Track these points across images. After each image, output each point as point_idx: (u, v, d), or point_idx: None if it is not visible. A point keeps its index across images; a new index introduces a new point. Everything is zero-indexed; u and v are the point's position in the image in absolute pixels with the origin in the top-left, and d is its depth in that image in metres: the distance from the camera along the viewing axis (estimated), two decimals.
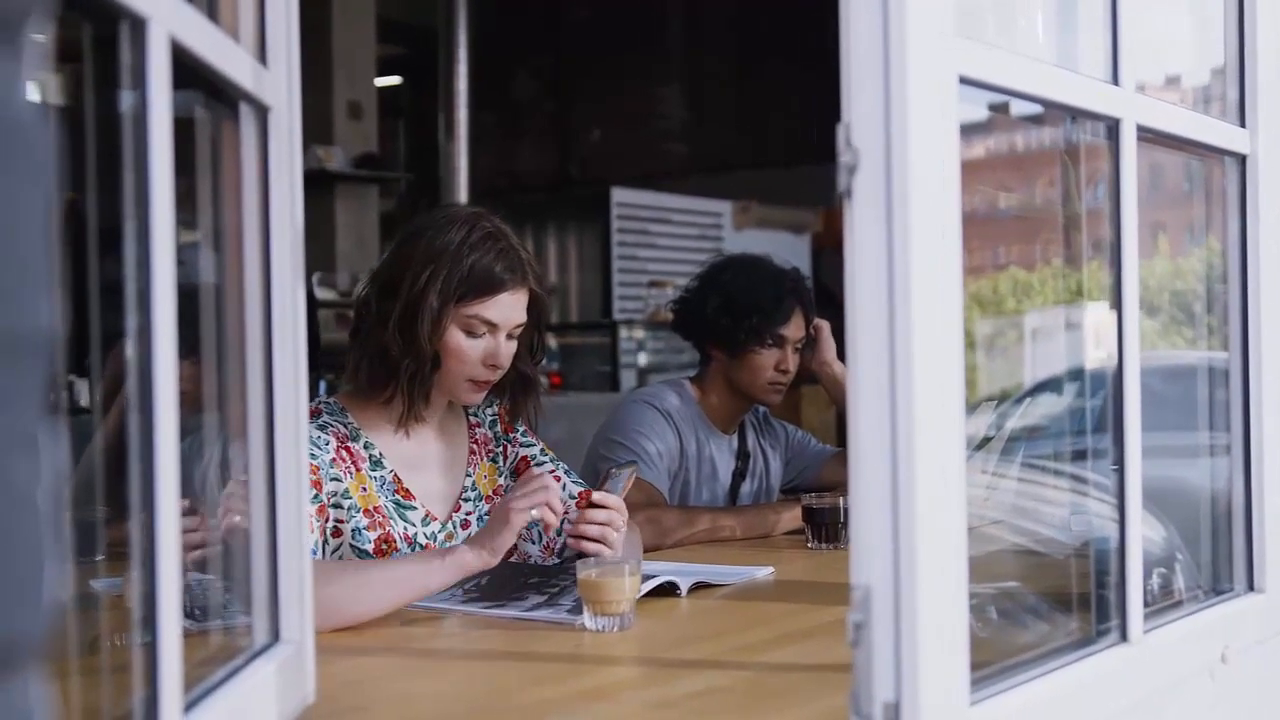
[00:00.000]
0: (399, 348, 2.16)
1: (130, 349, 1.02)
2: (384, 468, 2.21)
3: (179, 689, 1.04)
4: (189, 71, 1.12)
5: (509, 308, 2.20)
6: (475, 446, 2.36)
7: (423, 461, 2.27)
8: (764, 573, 2.33)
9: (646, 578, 2.02)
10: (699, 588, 2.16)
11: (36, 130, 0.57)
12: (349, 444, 2.19)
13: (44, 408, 0.59)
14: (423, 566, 1.97)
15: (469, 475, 2.33)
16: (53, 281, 0.58)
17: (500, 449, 2.40)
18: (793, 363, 3.00)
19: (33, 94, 0.57)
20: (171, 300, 1.03)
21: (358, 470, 2.18)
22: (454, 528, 2.27)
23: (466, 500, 2.31)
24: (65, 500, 0.61)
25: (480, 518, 2.30)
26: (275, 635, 1.37)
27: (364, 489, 2.17)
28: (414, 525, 2.21)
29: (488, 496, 2.34)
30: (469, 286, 2.16)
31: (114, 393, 1.44)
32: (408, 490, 2.22)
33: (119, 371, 1.11)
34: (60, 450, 0.59)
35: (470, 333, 2.18)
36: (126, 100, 1.03)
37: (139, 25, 1.00)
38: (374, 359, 2.19)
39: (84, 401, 2.65)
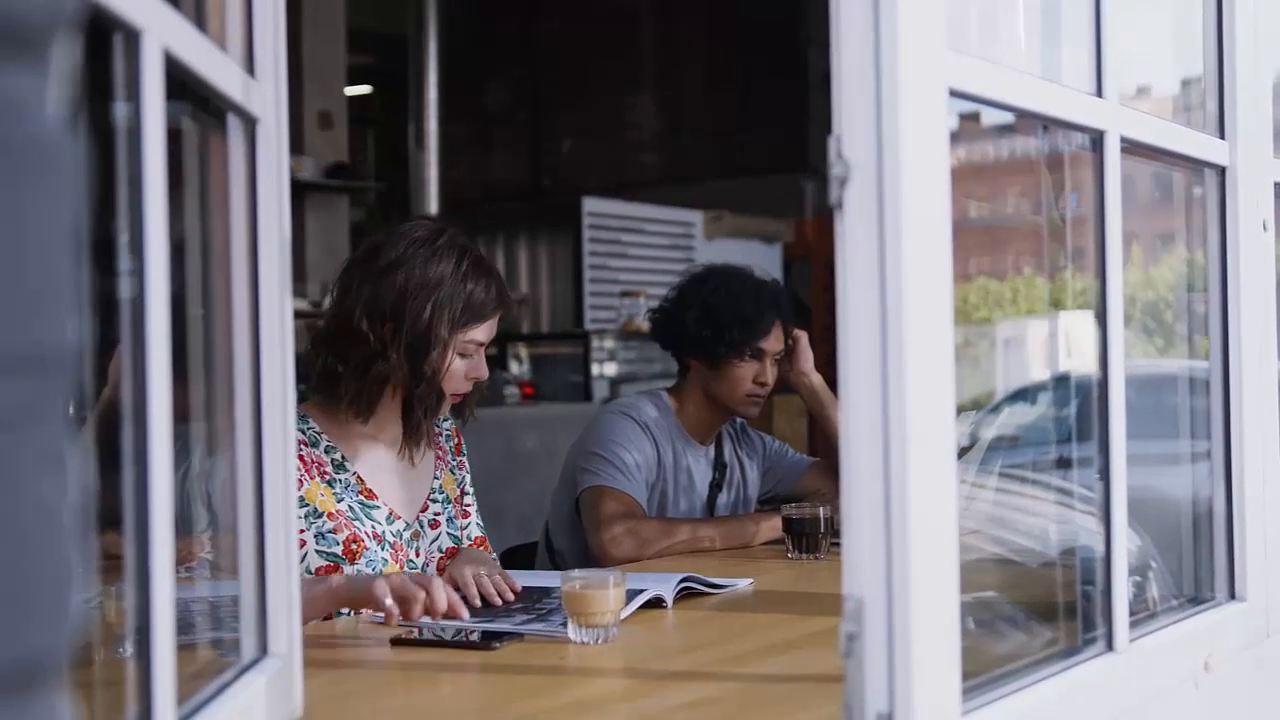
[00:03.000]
0: (408, 380, 2.24)
1: (124, 361, 1.01)
2: (347, 470, 2.27)
3: (172, 703, 1.03)
4: (177, 82, 1.12)
5: (494, 327, 2.33)
6: (440, 452, 2.45)
7: (389, 464, 2.34)
8: (744, 584, 2.33)
9: (632, 592, 2.02)
10: (685, 595, 2.17)
11: (64, 145, 0.57)
12: (307, 449, 2.24)
13: (69, 424, 0.58)
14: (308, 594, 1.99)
15: (436, 478, 2.41)
16: (77, 298, 0.58)
17: (457, 462, 2.51)
18: (771, 375, 3.00)
19: (59, 108, 0.57)
20: (165, 311, 1.02)
21: (312, 478, 2.23)
22: (421, 526, 2.35)
23: (435, 501, 2.40)
24: (90, 516, 0.61)
25: (449, 519, 2.40)
26: (263, 649, 1.36)
27: (322, 494, 2.22)
28: (379, 523, 2.27)
29: (454, 500, 2.44)
30: (470, 314, 2.26)
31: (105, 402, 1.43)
32: (371, 490, 2.29)
33: (109, 381, 1.10)
34: (85, 466, 0.59)
35: (463, 355, 2.28)
36: (119, 111, 1.02)
37: (133, 37, 0.99)
38: (375, 385, 2.24)
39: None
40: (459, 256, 2.26)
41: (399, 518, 2.31)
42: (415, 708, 1.61)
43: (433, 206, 8.30)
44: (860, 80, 1.17)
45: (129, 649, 1.09)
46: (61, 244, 0.57)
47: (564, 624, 1.88)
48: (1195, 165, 1.84)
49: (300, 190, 7.23)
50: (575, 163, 9.82)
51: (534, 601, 2.12)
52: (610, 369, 7.52)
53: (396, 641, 1.87)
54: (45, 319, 0.56)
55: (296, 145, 7.20)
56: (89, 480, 1.20)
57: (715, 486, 3.11)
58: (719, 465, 3.13)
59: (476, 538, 2.44)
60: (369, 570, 2.21)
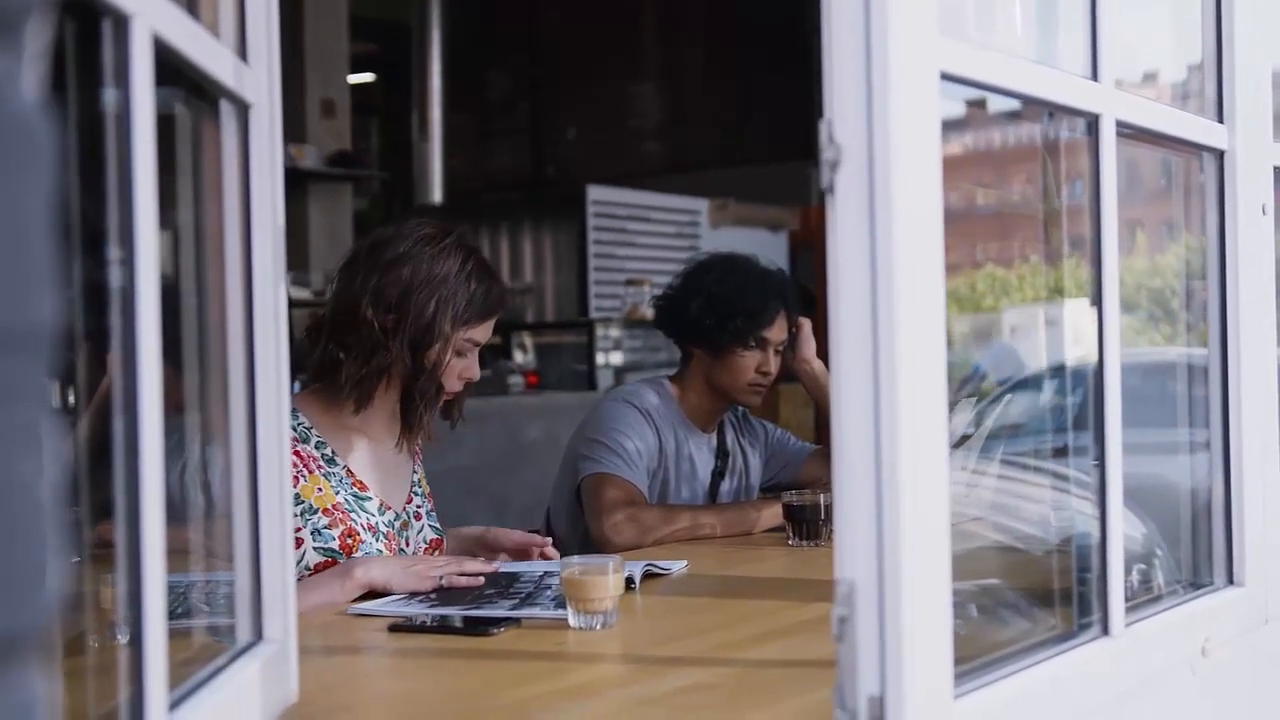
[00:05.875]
0: (408, 371, 2.27)
1: (113, 350, 1.01)
2: (338, 464, 2.30)
3: (164, 688, 1.03)
4: (169, 68, 1.12)
5: (490, 329, 2.37)
6: (417, 450, 2.49)
7: (375, 458, 2.37)
8: (679, 566, 2.36)
9: None
10: (649, 577, 2.22)
11: (37, 126, 0.57)
12: (298, 447, 2.25)
13: (45, 402, 0.59)
14: (325, 592, 2.07)
15: (415, 472, 2.46)
16: (53, 276, 0.58)
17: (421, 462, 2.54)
18: (774, 365, 3.00)
19: (33, 89, 0.57)
20: (155, 300, 1.02)
21: (311, 472, 2.25)
22: (408, 517, 2.40)
23: (416, 494, 2.44)
24: (66, 494, 0.61)
25: (429, 511, 2.45)
26: (258, 634, 1.37)
27: (319, 489, 2.25)
28: (373, 515, 2.30)
29: (428, 495, 2.48)
30: (472, 313, 2.30)
31: (90, 393, 1.43)
32: (362, 482, 2.32)
33: (92, 372, 1.11)
34: (62, 445, 0.59)
35: (459, 353, 2.31)
36: (108, 97, 1.02)
37: (122, 22, 0.99)
38: (375, 375, 2.27)
39: (56, 403, 2.65)
40: (464, 257, 2.31)
41: (389, 508, 2.35)
42: (411, 693, 1.61)
43: (436, 196, 8.30)
44: (851, 64, 1.17)
45: (126, 634, 1.09)
46: (37, 225, 0.57)
47: (557, 606, 1.89)
48: (1194, 150, 1.83)
49: (303, 179, 7.22)
50: (579, 151, 9.82)
51: (506, 586, 2.12)
52: (615, 358, 7.52)
53: (393, 628, 1.88)
54: (20, 299, 0.56)
55: (299, 134, 7.19)
56: (68, 459, 1.21)
57: (718, 474, 3.11)
58: (722, 453, 3.13)
59: (432, 540, 2.45)
60: None
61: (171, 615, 1.13)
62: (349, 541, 2.23)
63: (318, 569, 2.19)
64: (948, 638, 1.21)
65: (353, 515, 2.26)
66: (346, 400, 2.28)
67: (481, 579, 2.14)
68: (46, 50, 0.60)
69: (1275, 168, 1.90)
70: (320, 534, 2.22)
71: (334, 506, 2.24)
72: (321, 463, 2.27)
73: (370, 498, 2.31)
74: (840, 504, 1.18)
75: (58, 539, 0.59)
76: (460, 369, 2.32)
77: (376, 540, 2.27)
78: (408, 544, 2.36)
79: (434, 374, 2.28)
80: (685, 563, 2.39)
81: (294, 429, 2.26)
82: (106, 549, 1.09)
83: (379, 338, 2.24)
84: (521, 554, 2.41)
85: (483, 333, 2.33)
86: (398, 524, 2.35)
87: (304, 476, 2.23)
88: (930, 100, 1.21)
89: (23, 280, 0.56)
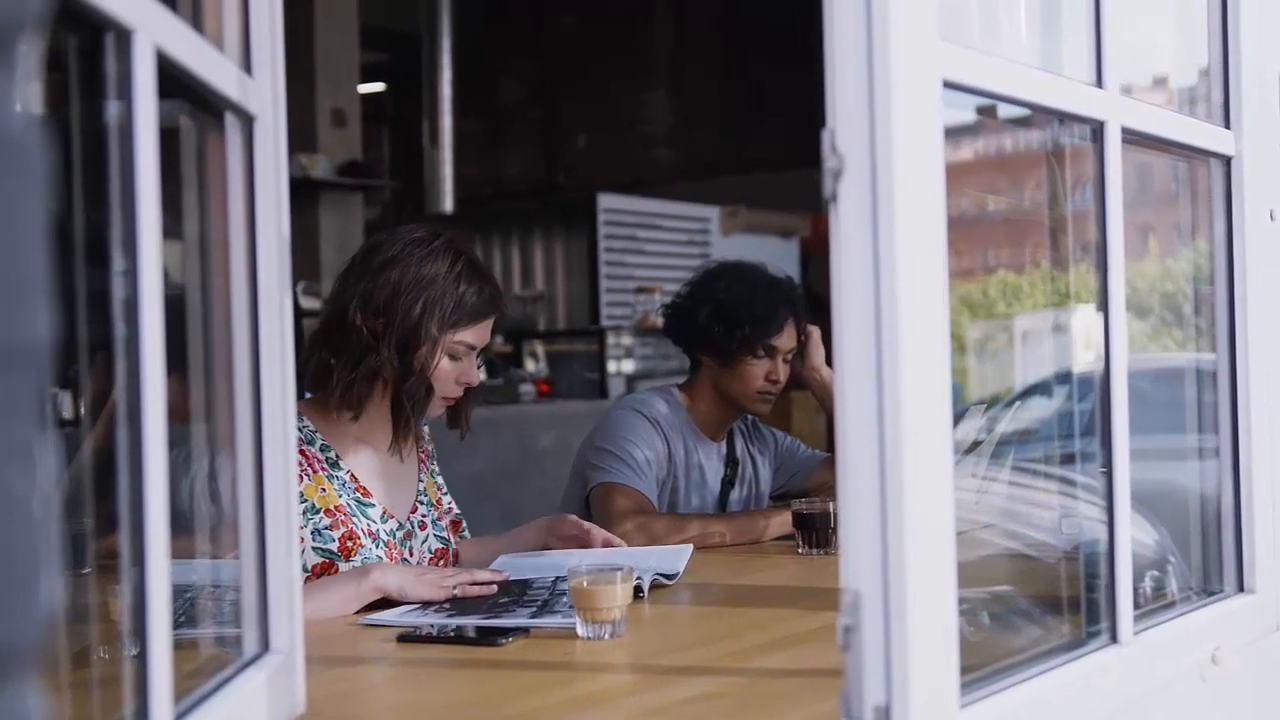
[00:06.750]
0: (397, 374, 2.27)
1: (118, 361, 1.02)
2: (342, 469, 2.30)
3: (169, 700, 1.03)
4: (173, 81, 1.12)
5: (487, 332, 2.35)
6: (423, 457, 2.49)
7: (380, 467, 2.37)
8: (685, 551, 2.41)
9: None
10: (657, 587, 2.22)
11: (31, 142, 0.57)
12: (303, 448, 2.26)
13: (40, 418, 0.59)
14: (339, 594, 2.06)
15: (421, 481, 2.45)
16: (48, 292, 0.58)
17: (434, 466, 2.53)
18: (783, 373, 3.00)
19: (26, 105, 0.57)
20: (159, 311, 1.03)
21: (315, 473, 2.26)
22: (412, 527, 2.39)
23: (422, 503, 2.43)
24: (59, 509, 0.62)
25: (434, 521, 2.44)
26: (265, 645, 1.37)
27: (323, 490, 2.26)
28: (374, 521, 2.30)
29: (435, 503, 2.47)
30: (460, 315, 2.29)
31: (101, 404, 1.44)
32: (365, 489, 2.32)
33: (105, 383, 1.11)
34: (54, 460, 0.59)
35: (453, 357, 2.31)
36: (111, 110, 1.02)
37: (124, 36, 1.00)
38: (366, 380, 2.27)
39: (66, 414, 2.66)
40: (454, 258, 2.30)
41: (392, 517, 2.34)
42: (419, 704, 1.61)
43: (447, 204, 8.31)
44: (853, 73, 1.17)
45: (136, 647, 1.09)
46: (31, 241, 0.57)
47: (569, 614, 1.89)
48: (1200, 155, 1.83)
49: (314, 189, 7.23)
50: (589, 159, 9.81)
51: (520, 595, 2.12)
52: (626, 366, 7.52)
53: (402, 638, 1.88)
54: (15, 314, 0.56)
55: (309, 143, 7.20)
56: (77, 471, 1.21)
57: (728, 483, 3.11)
58: (731, 461, 3.13)
59: (438, 550, 2.45)
60: None
61: (177, 625, 1.13)
62: (348, 544, 2.23)
63: (316, 570, 2.19)
64: (953, 646, 1.21)
65: (354, 519, 2.26)
66: (340, 406, 2.28)
67: (494, 588, 2.15)
68: (41, 65, 0.61)
69: None
70: (321, 534, 2.22)
71: (336, 508, 2.25)
72: (326, 465, 2.28)
73: (373, 504, 2.31)
74: (845, 513, 1.18)
75: (52, 554, 0.59)
76: (456, 373, 2.31)
77: (376, 546, 2.27)
78: (411, 553, 2.36)
79: (422, 376, 2.27)
80: (690, 547, 2.42)
81: (300, 431, 2.26)
82: (115, 560, 1.09)
83: (369, 341, 2.24)
84: (579, 543, 2.44)
85: (475, 336, 2.32)
86: (400, 533, 2.35)
87: (308, 475, 2.23)
88: (932, 108, 1.21)
89: (17, 296, 0.56)
